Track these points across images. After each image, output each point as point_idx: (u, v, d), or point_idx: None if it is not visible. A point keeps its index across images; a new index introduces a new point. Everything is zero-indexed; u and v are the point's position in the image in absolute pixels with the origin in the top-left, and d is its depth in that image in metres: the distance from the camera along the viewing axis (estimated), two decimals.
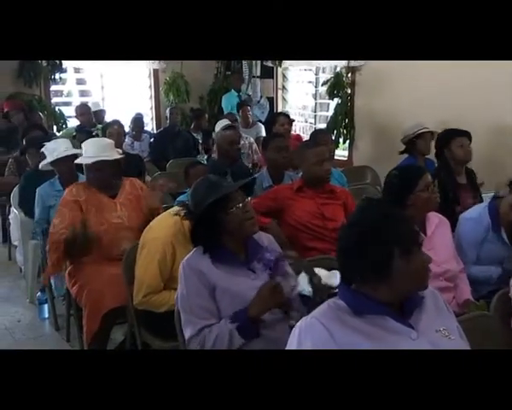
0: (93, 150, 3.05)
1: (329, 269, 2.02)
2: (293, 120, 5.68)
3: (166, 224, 2.49)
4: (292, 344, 1.43)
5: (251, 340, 1.93)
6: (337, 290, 1.51)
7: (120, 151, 3.41)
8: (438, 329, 1.44)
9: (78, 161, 3.14)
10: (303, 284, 1.89)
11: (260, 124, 6.24)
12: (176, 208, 2.54)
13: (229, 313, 1.96)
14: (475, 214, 2.80)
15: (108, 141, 3.27)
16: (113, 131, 4.36)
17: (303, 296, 1.88)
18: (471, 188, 3.51)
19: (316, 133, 4.40)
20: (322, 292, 1.78)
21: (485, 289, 2.66)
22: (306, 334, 1.39)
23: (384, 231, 1.37)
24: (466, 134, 3.61)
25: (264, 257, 2.05)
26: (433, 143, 3.85)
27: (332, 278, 1.82)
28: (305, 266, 2.03)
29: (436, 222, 2.63)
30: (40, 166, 3.64)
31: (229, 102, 6.81)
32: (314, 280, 1.86)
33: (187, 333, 1.98)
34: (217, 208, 1.99)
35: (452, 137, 3.59)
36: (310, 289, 1.87)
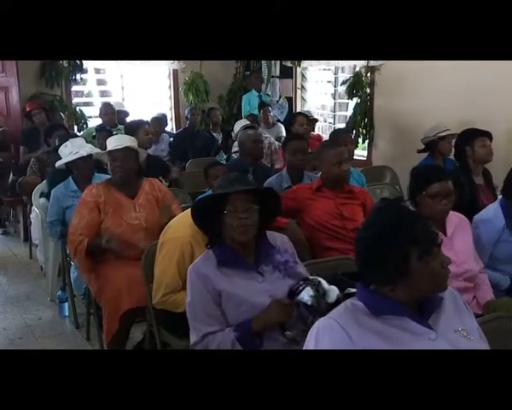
0: (115, 143, 3.11)
1: (347, 273, 1.99)
2: (317, 120, 5.68)
3: (185, 223, 2.49)
4: (309, 345, 1.41)
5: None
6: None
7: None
8: (457, 329, 1.43)
9: (98, 153, 3.16)
10: (304, 293, 1.83)
11: (280, 124, 6.24)
12: None
13: (235, 318, 1.94)
14: (489, 215, 2.77)
15: (130, 137, 3.31)
16: (144, 131, 4.35)
17: (305, 305, 1.82)
18: (487, 188, 3.48)
19: (335, 133, 4.39)
20: (321, 304, 1.76)
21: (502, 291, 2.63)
22: (324, 335, 1.38)
23: (401, 231, 1.37)
24: (487, 134, 3.58)
25: (274, 259, 2.02)
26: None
27: (330, 293, 1.79)
28: (317, 274, 1.98)
29: (456, 222, 2.61)
30: (56, 165, 3.68)
31: (249, 101, 6.82)
32: (319, 291, 1.82)
33: (192, 339, 1.97)
34: (217, 206, 1.97)
35: (475, 137, 3.55)
36: (311, 299, 1.81)
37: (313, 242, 2.92)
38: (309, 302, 1.81)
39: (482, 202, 2.90)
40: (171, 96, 7.38)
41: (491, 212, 2.78)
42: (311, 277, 1.90)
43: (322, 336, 1.38)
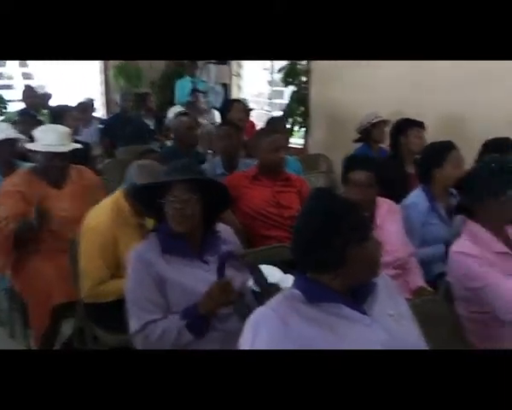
0: (51, 138, 2.87)
1: (286, 261, 1.98)
2: (251, 109, 5.65)
3: (103, 210, 2.43)
4: (246, 335, 1.40)
5: (201, 336, 1.87)
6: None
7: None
8: (390, 314, 1.46)
9: (31, 146, 2.94)
10: (251, 282, 1.84)
11: (215, 111, 6.16)
12: (117, 192, 2.49)
13: (179, 307, 1.89)
14: (414, 199, 2.86)
15: (66, 130, 3.11)
16: (71, 117, 4.14)
17: (254, 292, 1.83)
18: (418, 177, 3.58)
19: (271, 121, 4.38)
20: (274, 291, 1.74)
21: (434, 270, 2.72)
22: (261, 325, 1.37)
23: (341, 219, 1.37)
24: (421, 125, 3.68)
25: (220, 249, 1.99)
26: (387, 132, 3.90)
27: (285, 280, 1.79)
28: (253, 266, 1.96)
29: (386, 209, 2.67)
30: None
31: (182, 88, 6.69)
32: (261, 281, 1.82)
33: (131, 327, 1.90)
34: (158, 192, 1.92)
35: (409, 127, 3.65)
36: (260, 285, 1.82)
37: (250, 230, 2.91)
38: (258, 289, 1.81)
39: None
40: (101, 81, 7.13)
41: (416, 196, 2.88)
42: (262, 265, 1.90)
43: (259, 326, 1.37)
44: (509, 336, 2.01)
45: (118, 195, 2.50)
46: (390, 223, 2.63)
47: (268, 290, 1.77)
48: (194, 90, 6.19)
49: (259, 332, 1.36)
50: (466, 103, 4.13)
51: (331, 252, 1.37)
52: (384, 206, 2.67)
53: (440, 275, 2.51)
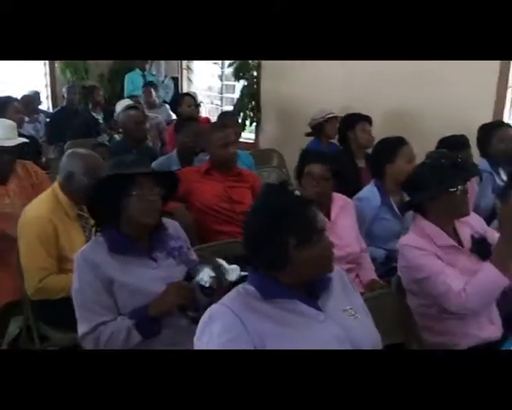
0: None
1: (236, 256, 1.98)
2: (200, 103, 5.60)
3: (41, 203, 2.37)
4: (201, 331, 1.39)
5: (151, 337, 1.83)
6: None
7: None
8: (345, 308, 1.47)
9: None
10: (203, 275, 1.80)
11: (167, 105, 6.07)
12: (55, 184, 2.44)
13: (128, 308, 1.84)
14: (366, 194, 2.91)
15: (11, 123, 2.98)
16: (13, 109, 3.97)
17: (203, 287, 1.80)
18: (368, 171, 3.65)
19: (222, 116, 4.36)
20: (222, 285, 1.73)
21: (386, 266, 2.77)
22: (215, 320, 1.36)
23: (280, 220, 1.37)
24: (367, 119, 3.74)
25: (168, 245, 1.96)
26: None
27: (230, 273, 1.78)
28: (208, 257, 1.96)
29: (340, 204, 2.69)
30: None
31: (132, 81, 6.56)
32: (217, 272, 1.80)
33: (80, 330, 1.84)
34: (119, 187, 1.85)
35: (356, 122, 3.71)
36: (206, 280, 1.79)
37: (202, 226, 2.88)
38: (207, 284, 1.78)
39: (364, 185, 3.04)
40: (46, 73, 6.89)
41: (368, 191, 2.92)
42: (211, 258, 1.87)
43: (213, 321, 1.36)
44: (457, 329, 2.07)
45: (55, 186, 2.45)
46: (344, 218, 2.66)
47: (222, 283, 1.76)
48: (147, 85, 6.08)
49: (214, 327, 1.35)
50: (414, 99, 4.24)
51: (276, 250, 1.36)
52: (339, 201, 2.69)
53: (394, 269, 2.57)
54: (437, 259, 2.03)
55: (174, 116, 5.59)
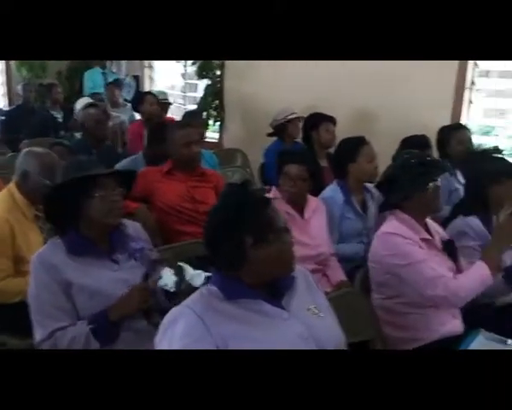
0: None
1: (199, 257, 1.96)
2: (170, 103, 5.53)
3: None
4: (162, 333, 1.37)
5: (110, 343, 1.77)
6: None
7: None
8: (309, 307, 1.47)
9: None
10: (167, 279, 1.77)
11: (126, 103, 5.97)
12: (10, 184, 2.38)
13: (87, 311, 1.78)
14: (330, 193, 2.94)
15: None
16: None
17: (166, 292, 1.76)
18: (331, 171, 3.67)
19: (187, 115, 4.32)
20: (186, 289, 1.71)
21: (349, 265, 2.79)
22: (178, 321, 1.34)
23: (237, 220, 1.37)
24: (331, 119, 3.78)
25: (129, 247, 1.92)
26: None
27: (195, 278, 1.76)
28: (171, 259, 1.92)
29: (314, 206, 2.74)
30: None
31: (91, 79, 6.42)
32: (181, 277, 1.77)
33: (37, 336, 1.77)
34: (81, 189, 1.81)
35: (319, 122, 3.74)
36: (171, 285, 1.76)
37: (165, 226, 2.85)
38: (172, 289, 1.75)
39: (327, 184, 3.06)
40: (1, 70, 6.69)
41: (331, 190, 2.95)
42: (176, 263, 1.84)
43: (176, 322, 1.34)
44: (419, 323, 2.10)
45: (11, 186, 2.39)
46: (317, 219, 2.71)
47: (186, 287, 1.73)
48: (112, 83, 5.97)
49: (176, 329, 1.33)
50: (374, 99, 4.30)
51: (233, 249, 1.36)
52: (313, 202, 2.75)
53: (356, 268, 2.59)
54: (420, 248, 2.07)
55: (138, 116, 5.52)
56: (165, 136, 3.19)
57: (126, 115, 5.47)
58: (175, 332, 1.33)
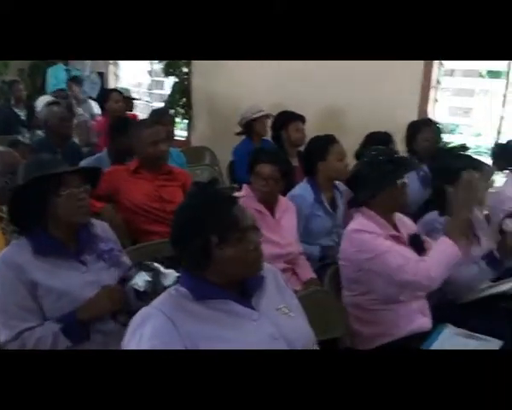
0: None
1: (167, 257, 1.93)
2: (134, 99, 5.46)
3: None
4: (130, 334, 1.34)
5: (79, 343, 1.75)
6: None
7: None
8: (278, 307, 1.47)
9: None
10: (138, 279, 1.75)
11: (91, 101, 5.87)
12: None
13: (55, 313, 1.75)
14: (300, 191, 2.94)
15: None
16: None
17: (137, 292, 1.75)
18: (302, 169, 3.68)
19: (154, 113, 4.26)
20: (158, 290, 1.69)
21: (317, 263, 2.80)
22: (146, 323, 1.32)
23: (201, 219, 1.37)
24: (301, 118, 3.78)
25: (98, 248, 1.89)
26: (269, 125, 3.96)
27: (166, 277, 1.74)
28: (139, 259, 1.91)
29: (285, 206, 2.74)
30: None
31: (55, 76, 6.28)
32: (152, 277, 1.75)
33: (2, 337, 1.72)
34: (46, 187, 1.77)
35: (289, 121, 3.74)
36: (141, 284, 1.74)
37: (132, 226, 2.80)
38: (142, 288, 1.73)
39: (297, 183, 3.06)
40: None
41: (301, 188, 2.95)
42: (146, 262, 1.82)
43: (144, 324, 1.32)
44: (388, 320, 2.12)
45: None
46: (287, 219, 2.71)
47: (157, 287, 1.71)
48: (71, 80, 5.85)
49: (144, 331, 1.31)
50: (343, 98, 4.33)
51: (199, 248, 1.35)
52: (283, 203, 2.75)
53: (325, 266, 2.60)
54: (387, 240, 2.08)
55: (98, 112, 5.43)
56: (127, 131, 3.18)
57: (88, 112, 5.38)
58: (143, 334, 1.30)
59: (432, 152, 3.23)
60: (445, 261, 2.01)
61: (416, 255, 2.10)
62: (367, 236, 2.09)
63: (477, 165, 2.53)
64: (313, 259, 2.81)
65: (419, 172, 3.29)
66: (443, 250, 2.02)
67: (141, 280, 1.74)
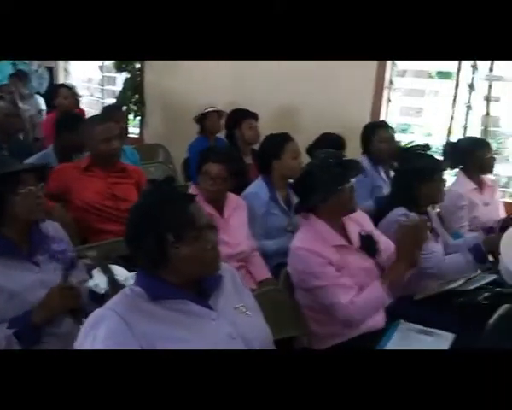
0: None
1: (122, 256, 1.89)
2: (79, 96, 5.33)
3: None
4: (83, 336, 1.31)
5: (32, 346, 1.71)
6: None
7: None
8: (236, 306, 1.46)
9: None
10: (96, 279, 1.73)
11: (39, 96, 5.70)
12: None
13: (6, 314, 1.71)
14: (255, 189, 2.93)
15: None
16: None
17: (94, 293, 1.73)
18: (256, 167, 3.68)
19: (106, 109, 4.19)
20: (116, 290, 1.66)
21: (274, 261, 2.79)
22: (99, 324, 1.29)
23: (156, 217, 1.35)
24: (253, 115, 3.78)
25: (50, 248, 1.85)
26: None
27: (126, 279, 1.71)
28: (100, 262, 1.88)
29: (234, 204, 2.73)
30: None
31: (0, 71, 6.04)
32: (109, 278, 1.72)
33: None
34: (3, 187, 1.75)
35: (242, 119, 3.74)
36: (103, 286, 1.73)
37: (84, 225, 2.73)
38: (102, 291, 1.73)
39: (252, 181, 3.05)
40: None
41: (256, 187, 2.95)
42: (104, 262, 1.82)
43: (97, 325, 1.29)
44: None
45: None
46: (237, 217, 2.70)
47: (116, 289, 1.67)
48: (15, 74, 5.65)
49: (98, 332, 1.27)
50: (297, 97, 4.36)
51: (154, 247, 1.33)
52: (233, 201, 2.73)
53: (280, 265, 2.59)
54: (331, 267, 2.05)
55: (44, 107, 5.27)
56: (74, 127, 3.13)
57: (34, 108, 5.22)
58: (97, 335, 1.27)
59: (389, 153, 3.29)
60: (371, 307, 2.06)
61: (366, 261, 2.11)
62: (312, 259, 2.05)
63: (440, 164, 2.60)
64: (268, 255, 2.80)
65: (374, 174, 3.36)
66: (374, 297, 2.04)
67: (100, 282, 1.73)
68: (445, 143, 3.68)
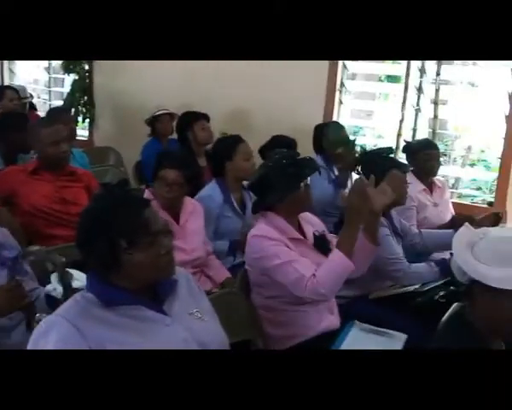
0: None
1: (73, 261, 1.84)
2: (29, 97, 5.17)
3: None
4: (34, 344, 1.28)
5: None
6: None
7: None
8: (191, 311, 1.45)
9: None
10: (54, 285, 1.69)
11: None
12: None
13: None
14: (209, 192, 2.92)
15: None
16: None
17: (51, 298, 1.68)
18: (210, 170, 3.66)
19: (53, 111, 4.08)
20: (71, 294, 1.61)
21: (230, 262, 2.80)
22: (50, 332, 1.26)
23: (108, 222, 1.32)
24: (205, 117, 3.77)
25: (1, 255, 1.80)
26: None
27: (77, 280, 1.66)
28: (57, 265, 1.81)
29: (190, 209, 2.70)
30: None
31: None
32: (64, 280, 1.67)
33: None
34: None
35: (193, 120, 3.73)
36: (58, 289, 1.67)
37: (32, 230, 2.64)
38: (59, 296, 1.68)
39: (206, 183, 3.03)
40: None
41: (210, 189, 2.94)
42: (59, 268, 1.76)
43: (48, 333, 1.26)
44: (298, 321, 2.13)
45: None
46: (193, 222, 2.67)
47: (71, 291, 1.62)
48: None
49: (49, 340, 1.24)
50: (250, 98, 4.36)
51: (106, 252, 1.30)
52: (189, 206, 2.71)
53: (237, 266, 2.59)
54: (287, 248, 2.06)
55: None
56: (20, 128, 3.06)
57: None
58: (48, 342, 1.25)
59: (340, 153, 3.34)
60: (335, 275, 1.98)
61: (320, 258, 2.09)
62: (266, 242, 2.05)
63: (403, 166, 2.65)
64: (223, 255, 2.80)
65: (328, 173, 3.40)
66: (335, 264, 1.98)
67: (57, 287, 1.69)
68: (396, 145, 3.78)
